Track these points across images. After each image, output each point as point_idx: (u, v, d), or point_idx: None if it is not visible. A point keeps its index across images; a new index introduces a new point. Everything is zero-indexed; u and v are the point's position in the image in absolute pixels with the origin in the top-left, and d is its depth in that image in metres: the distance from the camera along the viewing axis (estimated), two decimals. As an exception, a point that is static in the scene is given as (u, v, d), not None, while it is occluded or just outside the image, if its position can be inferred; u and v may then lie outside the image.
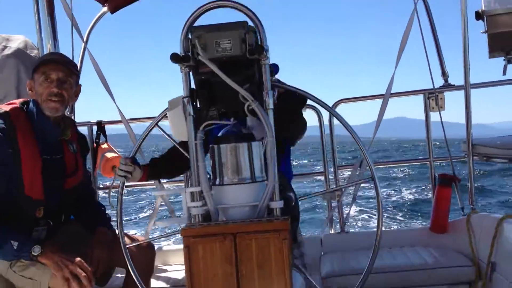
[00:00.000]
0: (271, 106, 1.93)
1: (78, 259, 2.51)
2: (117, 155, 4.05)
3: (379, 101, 3.88)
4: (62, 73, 2.73)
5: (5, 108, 2.71)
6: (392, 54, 3.77)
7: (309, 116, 3.87)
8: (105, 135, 4.17)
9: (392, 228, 11.16)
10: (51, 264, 2.49)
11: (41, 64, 2.75)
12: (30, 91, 2.80)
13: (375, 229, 2.15)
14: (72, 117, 4.06)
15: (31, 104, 2.75)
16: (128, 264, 2.31)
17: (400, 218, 14.57)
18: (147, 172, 2.79)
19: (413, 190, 20.46)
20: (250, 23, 1.93)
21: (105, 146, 4.11)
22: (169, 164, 2.90)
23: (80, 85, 2.92)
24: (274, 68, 2.92)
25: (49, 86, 2.70)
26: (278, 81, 2.82)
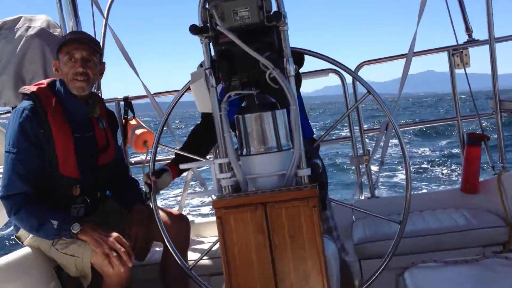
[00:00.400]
0: (293, 73, 1.92)
1: (116, 234, 2.58)
2: (146, 129, 4.08)
3: (403, 60, 3.81)
4: (86, 52, 2.77)
5: (33, 89, 2.77)
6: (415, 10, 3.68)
7: (332, 79, 3.84)
8: (132, 111, 4.20)
9: (423, 191, 11.08)
10: (91, 240, 2.56)
11: (64, 44, 2.78)
12: (56, 71, 2.84)
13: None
14: (99, 94, 4.11)
15: (58, 84, 2.80)
16: (164, 238, 2.35)
17: (432, 181, 14.47)
18: (177, 170, 2.77)
19: (443, 147, 20.21)
20: None
21: (133, 122, 4.14)
22: (196, 148, 2.86)
23: (104, 62, 2.95)
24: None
25: (73, 65, 2.75)
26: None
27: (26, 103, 2.72)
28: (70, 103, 2.78)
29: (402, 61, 3.84)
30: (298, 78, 2.84)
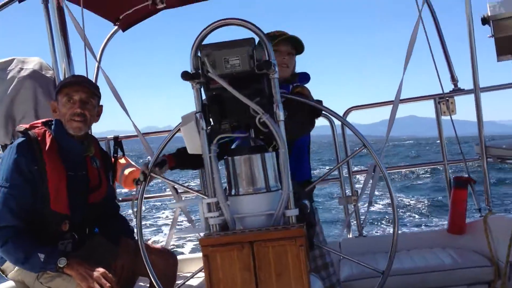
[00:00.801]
0: (282, 117, 1.99)
1: (102, 270, 2.60)
2: (137, 168, 4.12)
3: (389, 106, 3.91)
4: (85, 94, 2.86)
5: (30, 127, 2.83)
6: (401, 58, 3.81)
7: (320, 121, 3.94)
8: (122, 150, 4.26)
9: (410, 231, 11.12)
10: (76, 275, 2.58)
11: (64, 86, 2.88)
12: (53, 112, 2.92)
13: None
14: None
15: (55, 124, 2.86)
16: (149, 273, 2.36)
17: (417, 220, 14.52)
18: (174, 161, 2.86)
19: (430, 192, 20.36)
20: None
21: (122, 160, 4.19)
22: (194, 155, 2.93)
23: (102, 105, 3.04)
24: (303, 78, 3.07)
25: (72, 106, 2.83)
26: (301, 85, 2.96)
27: (22, 140, 2.78)
28: (66, 142, 2.85)
29: (389, 107, 3.95)
30: (312, 124, 2.95)
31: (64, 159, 2.82)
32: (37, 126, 2.86)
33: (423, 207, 17.10)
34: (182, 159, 2.90)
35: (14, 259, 2.68)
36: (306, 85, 3.05)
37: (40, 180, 2.72)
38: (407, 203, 18.00)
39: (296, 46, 3.03)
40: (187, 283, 3.54)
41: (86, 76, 3.83)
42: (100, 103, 3.03)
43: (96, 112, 2.98)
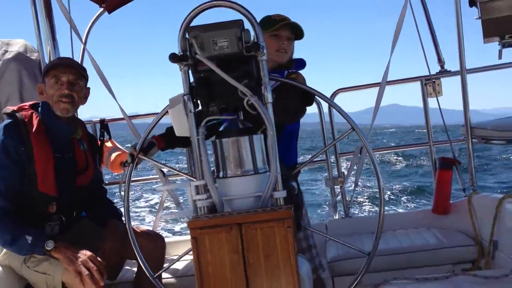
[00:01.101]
0: (270, 100, 1.99)
1: (89, 253, 2.60)
2: (123, 151, 4.10)
3: (376, 88, 3.93)
4: (72, 75, 2.85)
5: (16, 108, 2.82)
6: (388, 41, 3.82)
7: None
8: (108, 133, 4.23)
9: (395, 212, 11.24)
10: (64, 258, 2.58)
11: (52, 67, 2.87)
12: (40, 94, 2.91)
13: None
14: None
15: (42, 106, 2.85)
16: (137, 256, 2.37)
17: (404, 201, 14.67)
18: (163, 141, 2.87)
19: (416, 173, 20.56)
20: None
21: (109, 143, 4.17)
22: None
23: (89, 88, 3.03)
24: (299, 63, 3.05)
25: (60, 88, 2.83)
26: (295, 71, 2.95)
27: (8, 121, 2.77)
28: (53, 124, 2.84)
29: (375, 90, 3.97)
30: (303, 111, 2.93)
31: (52, 141, 2.82)
32: (25, 108, 2.85)
33: (409, 189, 17.26)
34: (171, 139, 2.89)
35: (2, 240, 2.68)
36: (301, 71, 3.04)
37: (28, 162, 2.71)
38: (393, 186, 18.16)
39: (296, 32, 3.00)
40: (175, 265, 3.58)
41: (71, 55, 3.82)
42: (87, 86, 3.02)
43: (84, 94, 2.97)
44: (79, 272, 2.54)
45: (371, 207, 13.42)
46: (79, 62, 4.12)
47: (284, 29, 2.94)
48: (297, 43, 3.05)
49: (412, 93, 4.26)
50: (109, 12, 4.54)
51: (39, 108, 2.87)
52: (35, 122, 2.79)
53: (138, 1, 4.50)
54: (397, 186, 18.44)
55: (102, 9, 4.47)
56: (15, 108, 2.85)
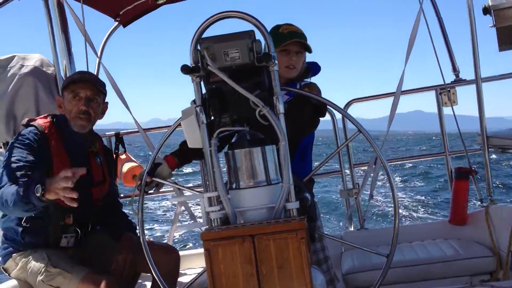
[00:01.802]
0: (282, 110, 1.99)
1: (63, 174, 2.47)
2: (136, 164, 4.13)
3: (391, 98, 3.91)
4: (90, 91, 2.88)
5: (38, 120, 2.88)
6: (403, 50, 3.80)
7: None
8: (123, 146, 4.26)
9: (412, 223, 11.13)
10: (54, 195, 2.48)
11: (70, 82, 2.90)
12: (59, 107, 2.95)
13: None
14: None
15: (60, 119, 2.89)
16: (152, 269, 2.37)
17: (421, 214, 14.52)
18: (175, 160, 2.85)
19: (432, 183, 20.34)
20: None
21: (123, 156, 4.20)
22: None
23: (107, 102, 3.06)
24: (314, 68, 3.04)
25: (77, 104, 2.86)
26: (310, 83, 2.96)
27: (32, 128, 2.81)
28: (70, 138, 2.88)
29: (391, 99, 3.95)
30: (316, 124, 2.91)
31: (68, 154, 2.86)
32: (44, 120, 2.90)
33: (426, 200, 17.08)
34: (185, 153, 2.88)
35: (3, 204, 2.61)
36: (316, 77, 3.03)
37: (46, 171, 2.73)
38: (409, 198, 17.98)
39: (306, 46, 2.96)
40: (190, 277, 3.57)
41: (86, 69, 3.85)
42: (106, 100, 3.05)
43: (101, 110, 3.00)
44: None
45: (387, 219, 13.29)
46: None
47: (294, 44, 2.90)
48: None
49: (434, 98, 4.22)
50: (124, 26, 4.59)
51: (55, 121, 2.91)
52: (54, 133, 2.84)
53: (153, 14, 4.55)
54: (415, 196, 18.27)
55: (117, 23, 4.52)
56: (35, 119, 2.90)
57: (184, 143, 2.86)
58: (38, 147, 2.75)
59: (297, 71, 2.95)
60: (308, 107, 2.70)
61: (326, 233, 3.30)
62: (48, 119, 2.91)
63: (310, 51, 2.97)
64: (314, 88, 2.92)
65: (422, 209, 15.33)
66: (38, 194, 2.52)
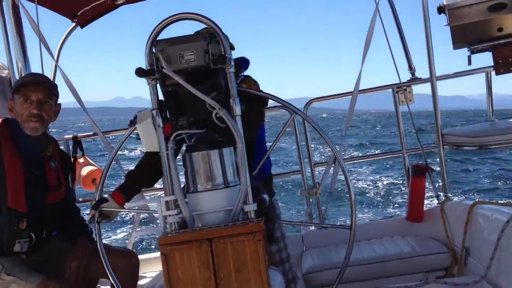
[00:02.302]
0: (239, 112, 2.00)
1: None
2: (95, 167, 4.08)
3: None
4: (42, 94, 2.82)
5: None
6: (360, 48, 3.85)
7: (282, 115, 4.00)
8: (81, 149, 4.21)
9: (370, 220, 11.27)
10: None
11: (21, 85, 2.83)
12: (10, 111, 2.87)
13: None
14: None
15: (12, 122, 2.82)
16: (109, 275, 2.35)
17: (377, 209, 14.70)
18: (124, 198, 2.74)
19: (389, 180, 20.59)
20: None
21: (82, 160, 4.14)
22: (146, 174, 2.88)
23: (60, 104, 3.00)
24: (244, 63, 2.97)
25: (28, 107, 2.79)
26: (245, 77, 2.91)
27: None
28: (23, 141, 2.81)
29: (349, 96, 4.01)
30: (262, 115, 2.91)
31: (22, 158, 2.79)
32: None
33: (384, 195, 17.28)
34: (131, 189, 2.81)
35: None
36: (247, 71, 2.99)
37: None
38: (368, 191, 18.16)
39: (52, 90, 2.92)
40: (148, 282, 3.55)
41: (41, 72, 3.78)
42: (58, 102, 2.99)
43: (54, 112, 2.94)
44: None
45: (347, 216, 13.40)
46: (52, 77, 4.09)
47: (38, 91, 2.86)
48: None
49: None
50: (82, 27, 4.53)
51: (8, 124, 2.84)
52: (6, 137, 2.77)
53: (109, 15, 4.49)
54: (372, 189, 18.46)
55: (74, 24, 4.45)
56: None
57: (129, 175, 2.83)
58: None
59: None
60: (255, 104, 2.72)
61: (287, 232, 3.31)
62: (0, 122, 2.84)
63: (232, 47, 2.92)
64: (251, 81, 2.92)
65: (379, 204, 15.52)
66: None
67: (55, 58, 4.11)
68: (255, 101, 2.68)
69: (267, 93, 2.47)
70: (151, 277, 3.90)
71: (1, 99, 3.67)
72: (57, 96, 2.96)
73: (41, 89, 2.83)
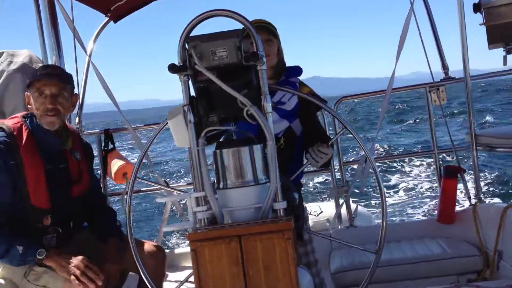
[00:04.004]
0: (269, 109, 1.99)
1: (81, 257, 2.61)
2: (126, 162, 4.12)
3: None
4: (55, 87, 2.80)
5: (7, 122, 2.80)
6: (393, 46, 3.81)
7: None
8: (113, 143, 4.26)
9: (400, 221, 11.15)
10: (56, 265, 2.59)
11: (34, 80, 2.82)
12: (28, 105, 2.88)
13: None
14: (78, 127, 4.15)
15: (31, 117, 2.84)
16: (140, 271, 2.37)
17: (410, 210, 14.53)
18: None
19: (421, 181, 20.32)
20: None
21: (113, 154, 4.18)
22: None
23: (77, 94, 3.00)
24: (297, 71, 3.06)
25: (43, 102, 2.78)
26: (300, 82, 3.02)
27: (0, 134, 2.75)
28: (41, 136, 2.80)
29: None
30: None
31: (42, 153, 2.79)
32: (15, 121, 2.82)
33: (415, 196, 17.06)
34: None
35: None
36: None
37: (18, 176, 2.69)
38: (401, 191, 17.95)
39: (274, 32, 2.96)
40: (177, 277, 3.57)
41: (76, 69, 3.83)
42: (75, 92, 2.99)
43: (71, 103, 2.92)
44: (74, 274, 2.54)
45: (377, 217, 13.28)
46: (84, 73, 4.14)
47: (260, 33, 2.89)
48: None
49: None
50: (115, 22, 4.56)
51: (27, 120, 2.84)
52: (24, 134, 2.76)
53: (144, 10, 4.53)
54: (404, 190, 18.25)
55: (107, 18, 4.49)
56: (6, 121, 2.83)
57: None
58: (4, 161, 2.68)
59: (273, 58, 2.95)
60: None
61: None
62: (19, 119, 2.84)
63: (276, 35, 2.98)
64: (306, 88, 3.00)
65: (412, 205, 15.34)
66: (39, 257, 2.60)
67: (88, 53, 4.16)
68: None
69: (317, 99, 2.45)
70: (178, 272, 3.93)
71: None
72: (72, 86, 2.94)
73: (54, 82, 2.81)
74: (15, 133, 2.74)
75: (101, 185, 3.85)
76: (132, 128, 4.02)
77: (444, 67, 4.35)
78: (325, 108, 2.38)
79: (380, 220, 2.30)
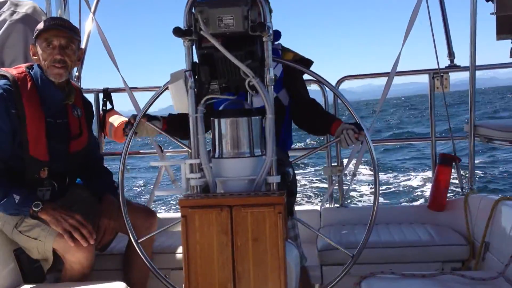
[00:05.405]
0: (272, 82, 1.97)
1: (77, 215, 2.62)
2: (126, 119, 4.08)
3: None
4: (64, 39, 2.79)
5: (11, 71, 2.79)
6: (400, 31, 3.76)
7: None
8: (111, 102, 4.21)
9: (391, 205, 11.22)
10: (51, 219, 2.60)
11: (43, 30, 2.80)
12: (33, 56, 2.86)
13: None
14: (79, 84, 4.12)
15: (35, 69, 2.81)
16: (129, 231, 2.38)
17: (399, 194, 14.61)
18: (166, 124, 2.77)
19: (416, 168, 20.44)
20: None
21: (112, 113, 4.15)
22: (184, 124, 2.87)
23: (82, 49, 3.00)
24: (276, 35, 2.90)
25: (51, 52, 2.77)
26: (282, 48, 2.85)
27: (2, 83, 2.73)
28: (45, 89, 2.80)
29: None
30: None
31: (44, 106, 2.79)
32: (19, 70, 2.82)
33: (409, 182, 17.15)
34: (173, 125, 2.81)
35: None
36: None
37: (19, 125, 2.69)
38: (393, 178, 18.05)
39: None
40: (167, 241, 3.58)
41: (79, 25, 3.78)
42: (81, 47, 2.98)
43: (77, 57, 2.92)
44: (67, 230, 2.56)
45: (368, 198, 13.34)
46: (86, 31, 4.09)
47: None
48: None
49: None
50: None
51: (31, 71, 2.83)
52: (28, 85, 2.76)
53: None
54: (398, 176, 18.35)
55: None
56: (10, 70, 2.82)
57: (170, 115, 2.84)
58: (6, 109, 2.69)
59: None
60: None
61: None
62: (23, 69, 2.83)
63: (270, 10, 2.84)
64: (290, 53, 2.86)
65: (403, 191, 15.42)
66: (35, 209, 2.61)
67: (92, 10, 4.09)
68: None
69: (303, 67, 2.43)
70: (168, 237, 3.94)
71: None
72: (79, 40, 2.93)
73: (62, 33, 2.80)
74: (19, 83, 2.74)
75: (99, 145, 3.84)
76: (130, 89, 3.96)
77: (450, 54, 4.30)
78: (327, 85, 2.35)
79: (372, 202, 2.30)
